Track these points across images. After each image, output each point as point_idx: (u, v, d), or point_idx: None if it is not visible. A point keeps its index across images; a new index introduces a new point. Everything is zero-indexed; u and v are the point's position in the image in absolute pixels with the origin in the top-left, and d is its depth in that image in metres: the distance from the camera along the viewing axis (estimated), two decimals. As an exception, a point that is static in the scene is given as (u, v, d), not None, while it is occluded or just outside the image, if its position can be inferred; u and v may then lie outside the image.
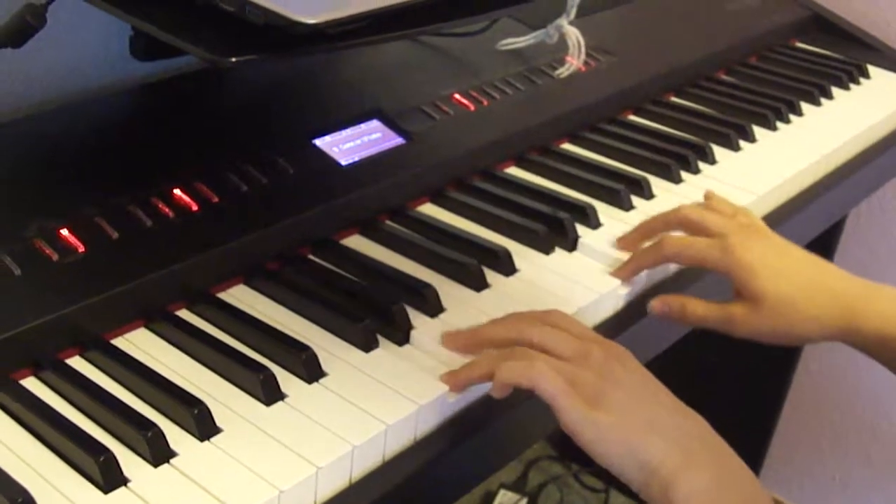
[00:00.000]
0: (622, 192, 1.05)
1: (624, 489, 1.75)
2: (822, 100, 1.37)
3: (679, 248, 0.93)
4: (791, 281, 0.90)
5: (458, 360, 0.79)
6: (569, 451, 1.88)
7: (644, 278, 0.95)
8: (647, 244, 0.96)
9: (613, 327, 0.92)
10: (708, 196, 1.00)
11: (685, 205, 0.98)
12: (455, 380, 0.78)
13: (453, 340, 0.81)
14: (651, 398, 0.74)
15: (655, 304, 0.92)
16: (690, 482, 0.70)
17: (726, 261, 0.90)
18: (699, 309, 0.92)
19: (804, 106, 1.34)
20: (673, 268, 0.99)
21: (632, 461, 0.71)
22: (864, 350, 0.92)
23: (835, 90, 1.40)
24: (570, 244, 0.97)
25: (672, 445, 0.71)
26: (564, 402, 0.72)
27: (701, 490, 0.70)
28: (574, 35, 1.21)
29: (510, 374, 0.74)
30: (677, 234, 0.95)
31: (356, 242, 0.94)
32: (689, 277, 0.99)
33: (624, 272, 0.94)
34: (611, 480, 1.85)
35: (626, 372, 0.75)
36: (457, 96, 1.10)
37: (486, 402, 0.80)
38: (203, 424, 0.70)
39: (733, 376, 1.65)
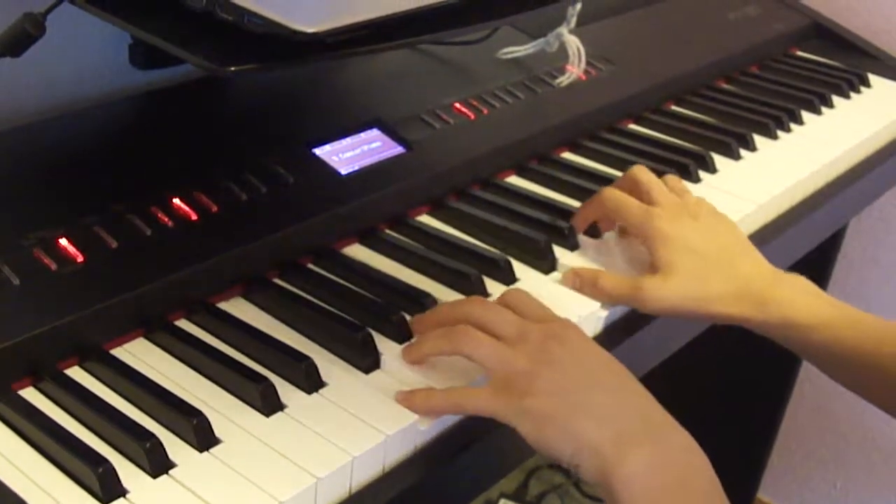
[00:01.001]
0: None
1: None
2: (823, 108, 1.37)
3: (612, 200, 0.95)
4: (702, 257, 0.90)
5: (455, 371, 0.79)
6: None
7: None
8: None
9: (616, 335, 0.91)
10: (669, 176, 1.01)
11: (639, 167, 0.99)
12: (409, 357, 0.79)
13: (411, 352, 0.80)
14: (588, 377, 0.74)
15: (568, 276, 0.92)
16: (629, 465, 0.69)
17: (645, 226, 0.92)
18: (610, 282, 0.91)
19: (805, 114, 1.33)
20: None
21: (568, 446, 0.71)
22: (767, 334, 0.93)
23: (835, 99, 1.40)
24: (571, 248, 0.97)
25: (607, 427, 0.70)
26: (496, 406, 0.73)
27: (638, 471, 0.69)
28: (574, 44, 1.21)
29: (436, 404, 0.75)
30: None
31: (356, 251, 0.94)
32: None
33: (574, 221, 0.98)
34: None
35: (564, 352, 0.74)
36: (457, 105, 1.10)
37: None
38: (202, 435, 0.70)
39: (733, 385, 1.65)
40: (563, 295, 0.91)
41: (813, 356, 0.94)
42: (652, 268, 0.91)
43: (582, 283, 0.91)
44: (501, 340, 0.76)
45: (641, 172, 0.98)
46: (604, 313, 0.91)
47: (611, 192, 0.96)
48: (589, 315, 0.90)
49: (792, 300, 0.91)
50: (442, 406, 0.75)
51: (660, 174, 1.11)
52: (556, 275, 0.94)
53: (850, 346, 0.91)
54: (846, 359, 0.91)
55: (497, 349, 0.75)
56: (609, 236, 1.00)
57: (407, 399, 0.76)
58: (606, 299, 0.91)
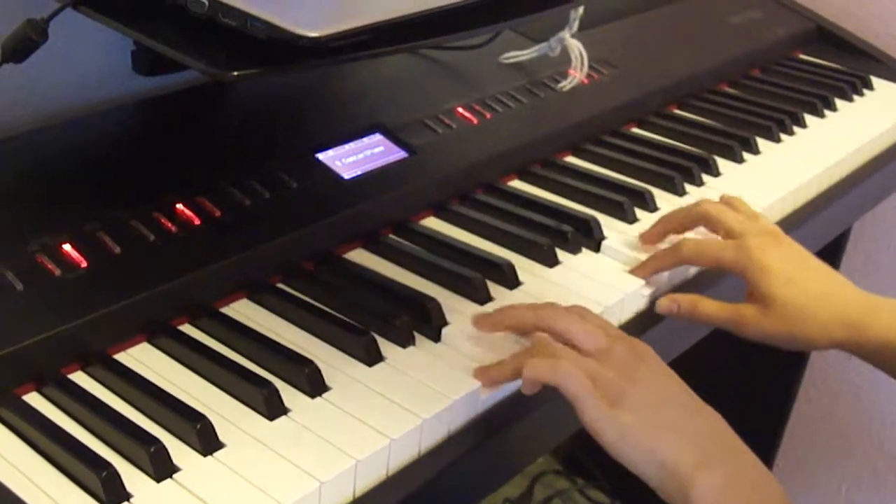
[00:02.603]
0: (626, 204, 1.05)
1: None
2: (826, 112, 1.37)
3: (697, 250, 0.95)
4: (802, 287, 0.91)
5: (460, 373, 0.79)
6: (574, 465, 1.87)
7: (659, 287, 0.96)
8: (666, 243, 0.98)
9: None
10: (727, 197, 1.02)
11: (706, 200, 0.99)
12: (486, 377, 0.79)
13: (483, 323, 0.83)
14: (671, 398, 0.76)
15: (664, 303, 0.94)
16: (706, 481, 0.71)
17: (741, 261, 0.92)
18: (709, 308, 0.93)
19: (808, 118, 1.33)
20: (692, 271, 1.00)
21: (650, 460, 0.72)
22: (867, 359, 0.94)
23: (838, 102, 1.40)
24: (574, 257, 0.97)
25: (689, 445, 0.72)
26: (587, 401, 0.73)
27: (716, 489, 0.71)
28: (577, 48, 1.21)
29: (536, 372, 0.76)
30: (694, 235, 0.97)
31: (359, 256, 0.94)
32: (705, 282, 0.99)
33: (643, 271, 0.95)
34: (616, 495, 1.84)
35: (648, 370, 0.76)
36: (459, 110, 1.10)
37: (490, 417, 0.79)
38: (206, 439, 0.70)
39: (739, 387, 1.64)
40: (583, 284, 0.93)
41: None
42: (750, 296, 0.92)
43: (680, 309, 0.93)
44: (584, 352, 0.77)
45: (711, 207, 0.98)
46: (633, 302, 0.93)
47: (690, 242, 0.95)
48: (615, 304, 0.91)
49: (891, 323, 0.92)
50: (546, 371, 0.75)
51: (663, 177, 1.12)
52: (559, 269, 0.95)
53: None
54: None
55: (585, 362, 0.76)
56: (611, 238, 1.00)
57: (516, 358, 0.78)
58: (705, 322, 0.93)
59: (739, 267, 0.92)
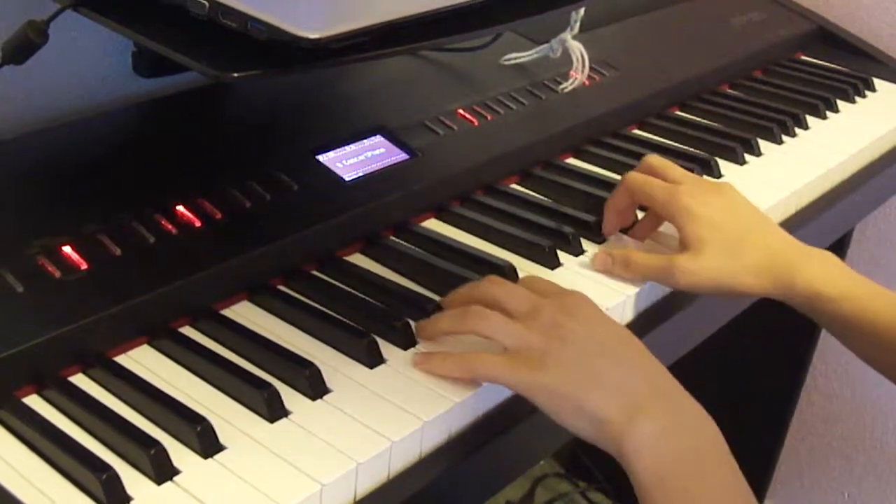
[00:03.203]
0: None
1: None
2: (828, 113, 1.37)
3: (637, 183, 0.97)
4: (730, 232, 0.93)
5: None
6: (576, 468, 1.87)
7: (649, 296, 0.95)
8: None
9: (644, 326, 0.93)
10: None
11: (653, 155, 1.02)
12: (423, 333, 0.82)
13: (420, 330, 0.83)
14: (597, 350, 0.76)
15: (599, 257, 0.94)
16: (639, 433, 0.71)
17: (671, 205, 0.94)
18: (642, 259, 0.93)
19: (810, 119, 1.33)
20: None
21: (581, 417, 0.73)
22: (794, 305, 0.95)
23: (840, 103, 1.39)
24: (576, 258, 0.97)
25: (617, 396, 0.73)
26: (508, 376, 0.75)
27: (649, 439, 0.71)
28: (578, 49, 1.21)
29: (448, 371, 0.78)
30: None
31: (360, 258, 0.94)
32: (688, 297, 0.98)
33: (606, 225, 1.00)
34: (618, 497, 1.84)
35: (576, 325, 0.77)
36: (460, 111, 1.10)
37: (492, 419, 0.79)
38: (206, 442, 0.69)
39: (740, 391, 1.64)
40: (585, 286, 0.92)
41: (837, 329, 0.96)
42: (682, 245, 0.93)
43: (614, 262, 0.93)
44: (515, 318, 0.78)
45: (655, 158, 1.00)
46: (630, 305, 0.93)
47: (634, 175, 0.98)
48: (616, 306, 0.91)
49: (820, 272, 0.93)
50: (457, 369, 0.78)
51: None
52: (560, 270, 0.95)
53: (877, 320, 0.93)
54: (870, 332, 0.93)
55: (509, 325, 0.77)
56: (613, 241, 1.00)
57: (425, 360, 0.78)
58: (639, 277, 0.93)
59: (668, 210, 0.94)
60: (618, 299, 0.92)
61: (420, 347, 0.82)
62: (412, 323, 0.83)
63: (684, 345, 1.02)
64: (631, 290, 0.93)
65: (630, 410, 0.72)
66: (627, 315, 0.93)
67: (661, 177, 0.98)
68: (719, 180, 0.99)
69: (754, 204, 0.98)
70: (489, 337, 0.78)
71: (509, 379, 0.76)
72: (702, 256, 0.91)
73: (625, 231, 1.02)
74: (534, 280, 0.84)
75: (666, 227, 1.00)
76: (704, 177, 1.02)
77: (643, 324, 0.94)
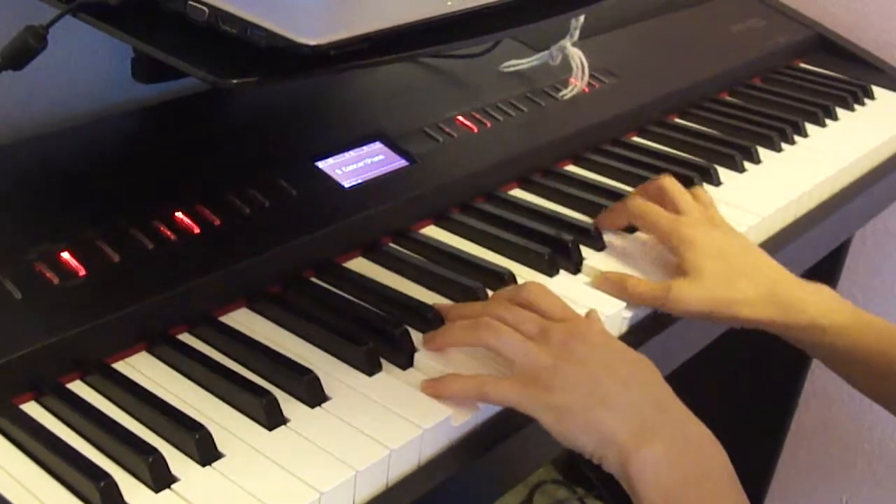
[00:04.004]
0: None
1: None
2: (827, 121, 1.37)
3: (639, 210, 0.98)
4: (729, 262, 0.93)
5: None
6: (574, 475, 1.87)
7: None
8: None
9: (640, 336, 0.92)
10: (696, 188, 1.05)
11: (669, 177, 1.02)
12: (433, 344, 0.82)
13: (429, 341, 0.83)
14: (606, 372, 0.76)
15: (598, 279, 0.94)
16: (645, 455, 0.72)
17: (673, 235, 0.95)
18: (639, 285, 0.93)
19: (809, 127, 1.33)
20: None
21: (590, 438, 0.74)
22: (790, 338, 0.96)
23: (839, 111, 1.39)
24: (575, 266, 0.97)
25: (624, 419, 0.73)
26: (517, 398, 0.76)
27: (655, 462, 0.72)
28: (577, 57, 1.21)
29: (461, 392, 0.77)
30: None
31: (359, 265, 0.93)
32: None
33: (599, 223, 1.01)
34: (616, 504, 1.84)
35: (585, 348, 0.77)
36: (460, 118, 1.10)
37: (491, 426, 0.79)
38: (204, 449, 0.69)
39: (738, 398, 1.64)
40: (584, 293, 0.93)
41: (835, 361, 0.96)
42: (679, 271, 0.94)
43: (610, 286, 0.93)
44: (527, 335, 0.78)
45: (670, 183, 1.00)
46: (629, 313, 0.92)
47: (637, 202, 0.98)
48: (615, 314, 0.91)
49: (816, 304, 0.94)
50: (466, 390, 0.77)
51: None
52: (559, 278, 0.95)
53: (874, 352, 0.94)
54: (868, 364, 0.94)
55: (521, 341, 0.77)
56: (613, 244, 1.00)
57: (433, 385, 0.78)
58: (636, 301, 0.93)
59: (669, 239, 0.95)
60: (616, 308, 0.91)
61: (421, 357, 0.82)
62: (411, 330, 0.83)
63: (683, 353, 1.02)
64: (627, 313, 0.93)
65: (637, 433, 0.72)
66: (625, 324, 0.93)
67: (665, 201, 0.98)
68: (723, 219, 1.00)
69: (751, 241, 1.00)
70: (499, 351, 0.78)
71: (519, 400, 0.76)
72: (699, 284, 0.92)
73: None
74: (538, 296, 0.83)
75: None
76: (713, 202, 1.03)
77: (641, 333, 0.93)
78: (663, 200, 0.99)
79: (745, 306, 0.92)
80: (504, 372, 0.80)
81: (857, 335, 0.93)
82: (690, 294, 0.91)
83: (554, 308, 0.82)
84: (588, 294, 0.93)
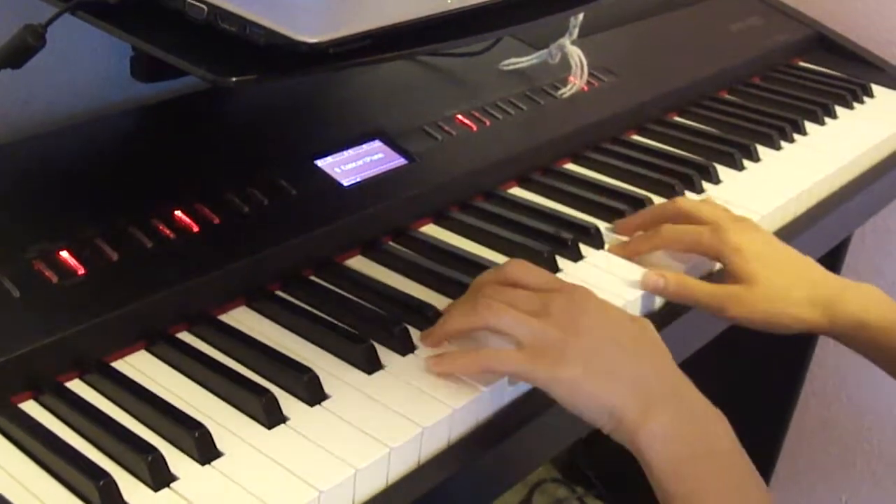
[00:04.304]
0: (626, 211, 1.05)
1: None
2: (827, 119, 1.37)
3: (675, 235, 0.97)
4: (779, 268, 0.94)
5: (459, 383, 0.79)
6: (573, 474, 1.87)
7: (646, 303, 0.95)
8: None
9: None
10: (706, 199, 1.05)
11: (681, 198, 1.03)
12: (431, 339, 0.82)
13: (427, 340, 0.83)
14: (612, 344, 0.77)
15: (651, 277, 0.95)
16: (652, 425, 0.74)
17: (718, 245, 0.95)
18: (697, 286, 0.94)
19: (808, 125, 1.33)
20: (717, 267, 1.01)
21: (599, 410, 0.75)
22: (840, 340, 0.96)
23: (839, 109, 1.39)
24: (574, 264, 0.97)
25: (632, 390, 0.75)
26: (526, 370, 0.76)
27: (662, 432, 0.74)
28: (576, 55, 1.21)
29: (464, 369, 0.78)
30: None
31: (358, 263, 0.93)
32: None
33: (622, 251, 0.99)
34: (615, 503, 1.84)
35: (589, 319, 0.78)
36: (459, 117, 1.10)
37: (490, 425, 0.79)
38: (204, 448, 0.69)
39: (737, 397, 1.64)
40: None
41: (883, 359, 0.96)
42: (731, 279, 0.94)
43: (667, 284, 0.94)
44: (529, 313, 0.78)
45: (684, 201, 1.01)
46: (632, 299, 0.93)
47: (668, 228, 0.98)
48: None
49: (863, 304, 0.95)
50: (474, 365, 0.78)
51: (663, 184, 1.11)
52: (559, 276, 0.94)
53: None
54: None
55: (524, 318, 0.78)
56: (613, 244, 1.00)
57: (438, 362, 0.79)
58: (691, 302, 0.94)
59: (715, 249, 0.95)
60: (616, 304, 0.91)
61: (421, 353, 0.82)
62: (410, 328, 0.83)
63: (684, 350, 1.02)
64: (630, 296, 0.93)
65: (644, 406, 0.74)
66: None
67: (693, 219, 0.98)
68: (741, 215, 1.00)
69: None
70: (504, 331, 0.78)
71: (529, 372, 0.76)
72: (755, 289, 0.92)
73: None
74: (524, 272, 0.83)
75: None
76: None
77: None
78: (686, 219, 0.98)
79: (796, 307, 0.93)
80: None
81: None
82: (749, 298, 0.92)
83: (542, 280, 0.83)
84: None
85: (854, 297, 0.95)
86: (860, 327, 0.94)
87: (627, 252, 0.99)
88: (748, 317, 0.93)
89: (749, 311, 0.93)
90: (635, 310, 0.93)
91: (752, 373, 1.65)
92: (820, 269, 0.97)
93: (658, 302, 0.96)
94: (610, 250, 0.99)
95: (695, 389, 0.77)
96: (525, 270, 0.83)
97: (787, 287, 0.93)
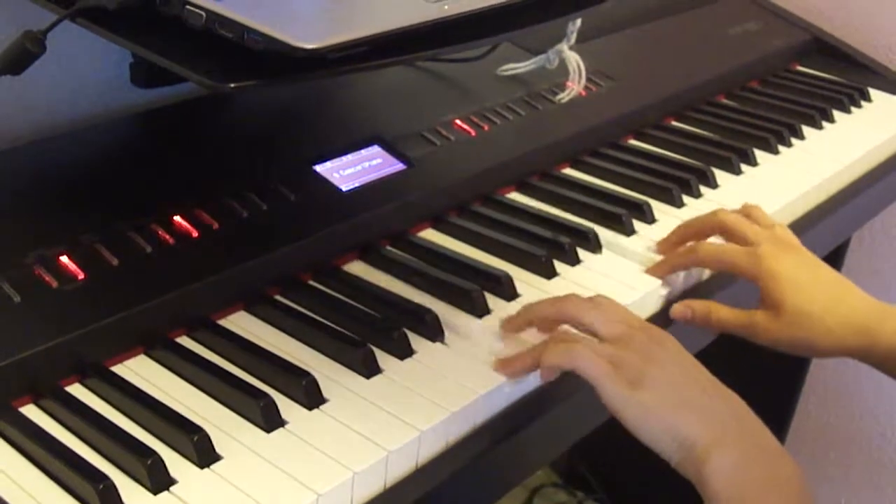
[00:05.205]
0: (624, 216, 1.05)
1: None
2: (824, 123, 1.37)
3: (713, 254, 0.97)
4: (813, 295, 0.94)
5: (457, 385, 0.79)
6: (574, 478, 1.87)
7: (657, 300, 0.96)
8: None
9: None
10: (747, 206, 1.04)
11: (723, 209, 1.02)
12: (509, 368, 0.81)
13: (508, 325, 0.86)
14: (690, 378, 0.78)
15: (678, 308, 0.95)
16: (720, 459, 0.74)
17: (755, 268, 0.94)
18: (723, 314, 0.95)
19: (805, 129, 1.33)
20: (706, 274, 1.01)
21: (670, 438, 0.75)
22: (877, 366, 0.95)
23: (836, 113, 1.40)
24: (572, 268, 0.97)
25: (706, 423, 0.75)
26: (606, 383, 0.76)
27: (729, 466, 0.73)
28: (574, 60, 1.21)
29: (553, 358, 0.79)
30: (712, 240, 1.00)
31: (357, 268, 0.94)
32: (719, 284, 1.01)
33: (660, 270, 0.98)
34: (616, 507, 1.84)
35: (667, 353, 0.79)
36: (457, 122, 1.10)
37: (489, 428, 0.79)
38: (203, 451, 0.70)
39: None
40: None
41: None
42: (763, 303, 0.94)
43: (694, 315, 0.95)
44: (605, 340, 0.80)
45: (727, 217, 1.00)
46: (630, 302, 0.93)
47: (707, 245, 0.98)
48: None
49: None
50: (565, 357, 0.78)
51: (661, 189, 1.12)
52: (557, 281, 0.96)
53: None
54: None
55: (605, 347, 0.79)
56: (609, 250, 1.01)
57: (506, 364, 0.81)
58: (719, 330, 0.96)
59: (752, 273, 0.95)
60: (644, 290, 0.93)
61: (420, 357, 0.82)
62: (408, 332, 0.83)
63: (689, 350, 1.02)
64: (628, 300, 0.93)
65: (716, 437, 0.74)
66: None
67: (735, 236, 0.98)
68: (786, 230, 1.00)
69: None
70: (587, 375, 0.78)
71: (608, 386, 0.76)
72: (782, 317, 0.93)
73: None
74: (611, 306, 0.84)
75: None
76: (768, 217, 1.02)
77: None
78: (730, 236, 0.99)
79: (829, 340, 0.93)
80: None
81: None
82: (774, 325, 0.93)
83: (629, 316, 0.83)
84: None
85: (890, 324, 0.93)
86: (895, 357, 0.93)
87: (663, 271, 0.98)
88: (774, 343, 0.94)
89: (775, 338, 0.93)
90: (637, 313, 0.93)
91: (752, 376, 1.64)
92: (859, 295, 0.96)
93: (655, 305, 0.96)
94: (647, 272, 0.98)
95: (768, 432, 0.77)
96: (611, 302, 0.84)
97: (818, 314, 0.93)
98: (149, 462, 0.67)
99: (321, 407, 0.76)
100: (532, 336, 0.85)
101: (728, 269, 0.98)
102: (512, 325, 0.86)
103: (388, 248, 0.97)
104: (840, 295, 0.95)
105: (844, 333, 0.93)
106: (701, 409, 0.76)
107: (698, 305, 0.95)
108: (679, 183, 1.13)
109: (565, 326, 0.83)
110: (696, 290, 1.00)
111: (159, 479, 0.67)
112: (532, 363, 0.80)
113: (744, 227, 0.98)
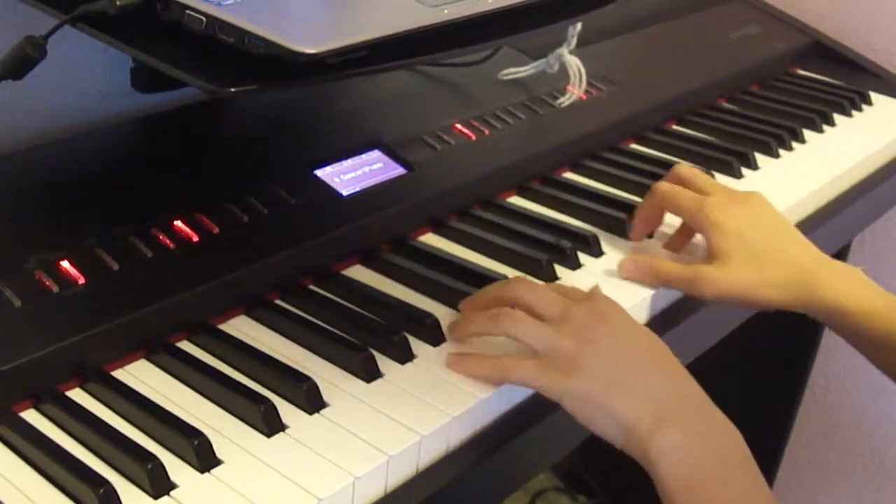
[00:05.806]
0: (625, 220, 1.05)
1: (630, 520, 1.75)
2: (825, 127, 1.37)
3: (666, 195, 0.99)
4: (754, 245, 0.94)
5: (458, 389, 0.79)
6: (575, 482, 1.87)
7: (655, 306, 0.96)
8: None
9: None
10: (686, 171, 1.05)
11: (683, 164, 1.04)
12: (455, 333, 0.84)
13: (454, 330, 0.85)
14: (627, 356, 0.78)
15: (624, 264, 0.96)
16: (664, 439, 0.73)
17: (699, 216, 0.96)
18: (666, 266, 0.95)
19: (806, 133, 1.33)
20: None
21: (610, 422, 0.75)
22: (819, 319, 0.96)
23: (837, 117, 1.40)
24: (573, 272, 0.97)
25: (645, 403, 0.75)
26: (541, 382, 0.77)
27: (674, 446, 0.73)
28: (575, 64, 1.21)
29: (483, 375, 0.79)
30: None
31: (357, 272, 0.94)
32: (694, 305, 0.99)
33: (633, 232, 1.02)
34: (617, 511, 1.84)
35: (607, 329, 0.79)
36: (458, 126, 1.10)
37: (490, 432, 0.79)
38: (203, 456, 0.70)
39: (738, 405, 1.64)
40: None
41: (861, 344, 0.96)
42: (708, 255, 0.95)
43: (638, 268, 0.95)
44: (546, 321, 0.79)
45: (684, 168, 1.02)
46: (635, 303, 0.93)
47: (663, 186, 0.99)
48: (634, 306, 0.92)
49: (843, 287, 0.94)
50: (489, 372, 0.79)
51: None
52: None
53: None
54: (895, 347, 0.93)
55: (541, 329, 0.79)
56: (611, 252, 1.01)
57: (458, 361, 0.80)
58: (663, 284, 0.95)
59: (696, 221, 0.96)
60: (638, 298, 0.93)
61: (447, 346, 0.83)
62: (409, 336, 0.83)
63: (685, 356, 1.02)
64: (629, 304, 0.93)
65: (656, 417, 0.74)
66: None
67: (690, 186, 0.99)
68: (749, 190, 1.00)
69: (783, 215, 0.99)
70: (520, 340, 0.79)
71: (541, 384, 0.77)
72: (726, 268, 0.93)
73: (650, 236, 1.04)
74: (558, 285, 0.85)
75: (698, 238, 1.01)
76: (733, 185, 1.03)
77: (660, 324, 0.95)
78: (684, 184, 1.00)
79: (769, 287, 0.93)
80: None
81: (888, 320, 0.93)
82: (718, 277, 0.92)
83: (573, 290, 0.84)
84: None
85: (832, 279, 0.94)
86: (837, 312, 0.93)
87: (635, 233, 1.01)
88: (718, 295, 0.93)
89: (719, 290, 0.93)
90: (636, 316, 0.93)
91: (754, 379, 1.65)
92: (800, 247, 0.96)
93: (658, 307, 0.96)
94: (629, 237, 1.01)
95: (709, 402, 0.77)
96: (558, 284, 0.85)
97: (761, 266, 0.93)
98: (149, 466, 0.67)
99: (322, 411, 0.76)
100: None
101: (675, 211, 0.99)
102: (456, 326, 0.85)
103: (389, 252, 0.97)
104: (782, 246, 0.95)
105: (787, 286, 0.93)
106: (638, 389, 0.76)
107: (642, 259, 0.96)
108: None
109: (503, 308, 0.82)
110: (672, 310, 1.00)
111: (160, 484, 0.67)
112: (472, 331, 0.82)
113: (697, 178, 1.00)
